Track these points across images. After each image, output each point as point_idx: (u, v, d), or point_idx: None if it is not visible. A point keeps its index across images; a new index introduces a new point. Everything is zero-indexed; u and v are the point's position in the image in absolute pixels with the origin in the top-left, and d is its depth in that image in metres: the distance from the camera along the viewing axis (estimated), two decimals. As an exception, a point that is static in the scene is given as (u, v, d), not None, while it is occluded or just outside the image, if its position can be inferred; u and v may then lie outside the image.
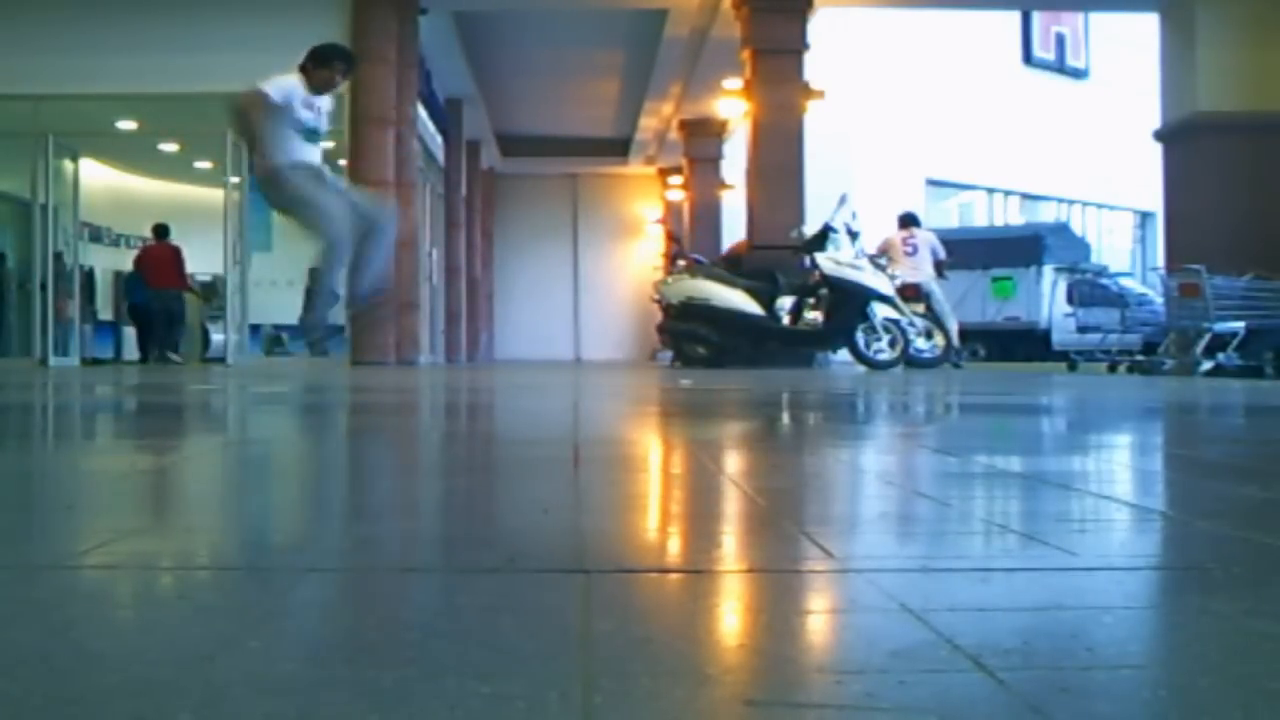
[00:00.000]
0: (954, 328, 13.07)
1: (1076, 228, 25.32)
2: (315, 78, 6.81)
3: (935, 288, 13.01)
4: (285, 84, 6.68)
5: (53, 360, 13.65)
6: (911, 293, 12.09)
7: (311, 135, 6.74)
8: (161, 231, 15.11)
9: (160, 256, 14.98)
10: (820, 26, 14.37)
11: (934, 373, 11.07)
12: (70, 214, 14.54)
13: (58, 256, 14.23)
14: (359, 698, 0.81)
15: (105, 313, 17.45)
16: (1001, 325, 19.75)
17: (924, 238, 13.32)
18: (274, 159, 6.58)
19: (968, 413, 5.28)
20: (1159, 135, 13.65)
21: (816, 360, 13.01)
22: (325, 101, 6.86)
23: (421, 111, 15.19)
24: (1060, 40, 27.45)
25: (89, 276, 16.37)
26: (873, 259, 11.84)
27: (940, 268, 13.22)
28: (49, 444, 3.64)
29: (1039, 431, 4.23)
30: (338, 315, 7.51)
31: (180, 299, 15.23)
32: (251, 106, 6.56)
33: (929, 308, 12.54)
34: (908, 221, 13.39)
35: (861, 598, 1.14)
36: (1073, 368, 12.65)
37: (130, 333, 16.29)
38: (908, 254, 12.90)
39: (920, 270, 12.83)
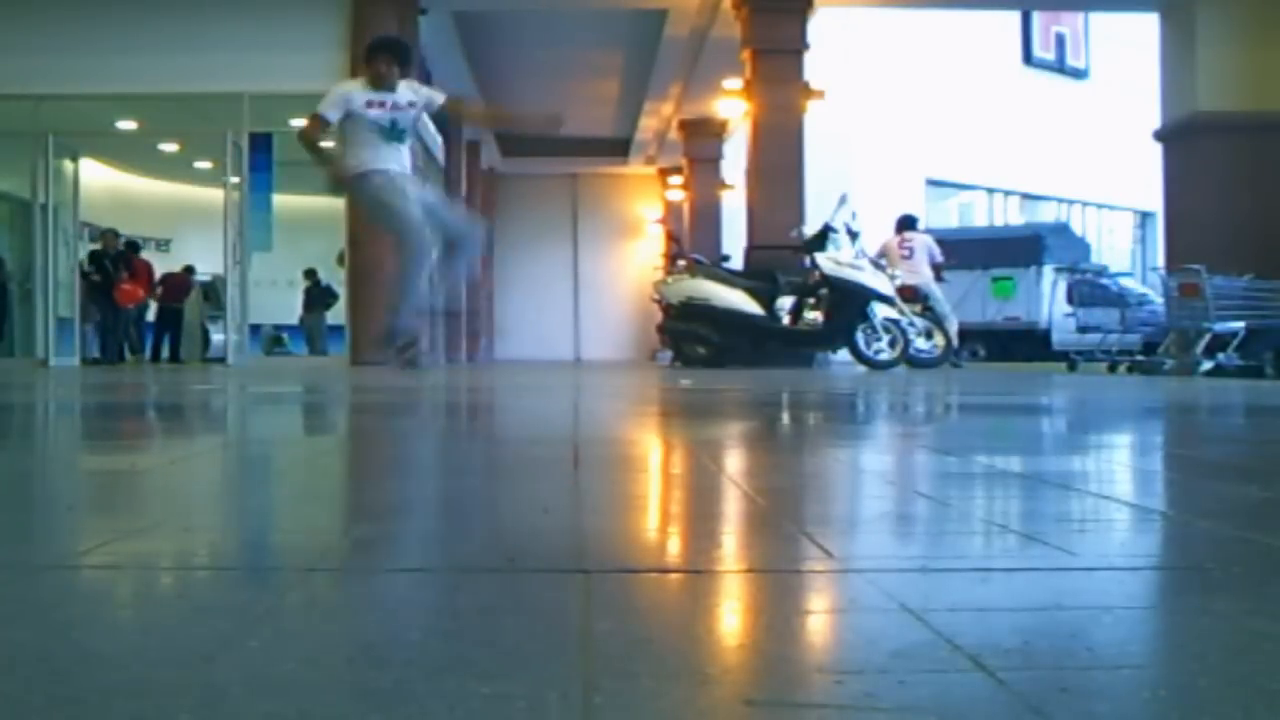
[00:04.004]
0: (954, 328, 13.06)
1: (1076, 228, 25.32)
2: (369, 73, 6.53)
3: (934, 289, 13.01)
4: (339, 93, 6.50)
5: (53, 360, 13.65)
6: (909, 294, 12.09)
7: (390, 134, 6.51)
8: (131, 248, 16.71)
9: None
10: (820, 26, 14.35)
11: (934, 373, 11.07)
12: (70, 214, 14.54)
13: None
14: (359, 698, 0.81)
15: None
16: (1001, 325, 19.75)
17: (920, 241, 13.30)
18: (345, 170, 6.48)
19: (968, 413, 5.28)
20: (1159, 135, 13.64)
21: (816, 360, 13.00)
22: (401, 95, 6.51)
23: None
24: (1060, 40, 27.44)
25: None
26: (872, 260, 11.85)
27: (938, 270, 13.21)
28: (50, 444, 3.64)
29: (1039, 431, 4.23)
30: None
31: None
32: (311, 134, 6.47)
33: (927, 308, 12.53)
34: (905, 224, 13.38)
35: (861, 598, 1.14)
36: (1073, 368, 12.64)
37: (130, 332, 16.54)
38: (904, 257, 12.89)
39: (918, 273, 12.82)
